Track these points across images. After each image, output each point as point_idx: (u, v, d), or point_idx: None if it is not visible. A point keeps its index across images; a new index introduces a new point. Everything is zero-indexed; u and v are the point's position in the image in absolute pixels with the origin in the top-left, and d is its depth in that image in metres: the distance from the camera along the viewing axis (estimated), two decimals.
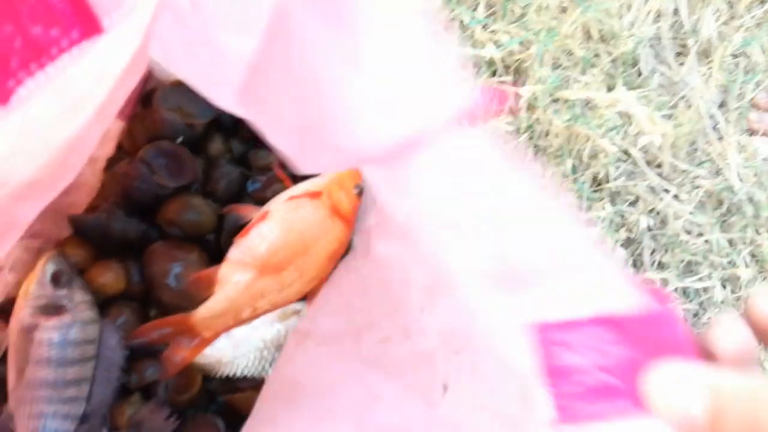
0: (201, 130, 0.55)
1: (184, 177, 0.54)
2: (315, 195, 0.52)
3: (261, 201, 0.55)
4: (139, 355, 0.50)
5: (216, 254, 0.53)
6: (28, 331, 0.46)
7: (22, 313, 0.46)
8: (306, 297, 0.54)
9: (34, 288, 0.46)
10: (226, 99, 0.31)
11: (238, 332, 0.52)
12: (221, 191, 0.54)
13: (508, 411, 0.32)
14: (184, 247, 0.52)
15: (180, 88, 0.54)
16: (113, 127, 0.52)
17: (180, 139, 0.55)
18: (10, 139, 0.23)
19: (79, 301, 0.47)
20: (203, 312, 0.50)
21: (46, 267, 0.47)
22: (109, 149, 0.54)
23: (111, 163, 0.54)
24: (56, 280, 0.46)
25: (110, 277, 0.51)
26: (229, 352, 0.51)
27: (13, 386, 0.46)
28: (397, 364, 0.39)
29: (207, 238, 0.54)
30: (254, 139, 0.57)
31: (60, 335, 0.46)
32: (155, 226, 0.53)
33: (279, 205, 0.52)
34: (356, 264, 0.53)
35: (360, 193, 0.54)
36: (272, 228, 0.51)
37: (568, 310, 0.21)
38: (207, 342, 0.51)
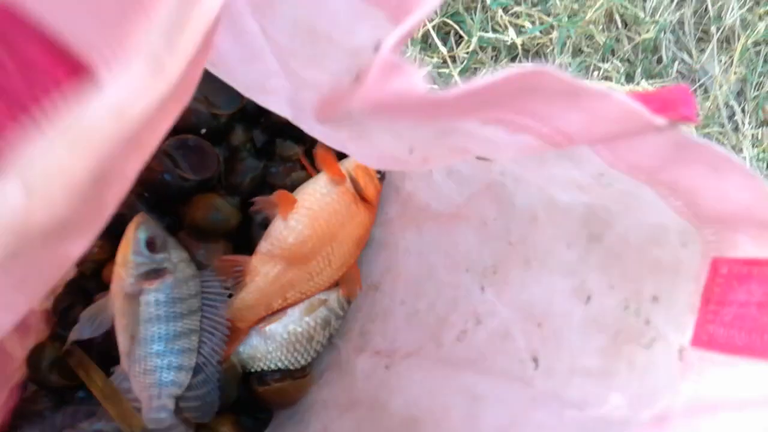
0: (225, 121, 0.56)
1: (206, 170, 0.54)
2: (339, 181, 0.54)
3: (280, 188, 0.56)
4: None
5: (243, 243, 0.55)
6: (134, 297, 0.47)
7: (124, 282, 0.47)
8: (338, 283, 0.56)
9: (133, 257, 0.47)
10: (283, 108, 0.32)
11: (269, 328, 0.54)
12: (245, 186, 0.55)
13: (600, 368, 0.35)
14: (209, 240, 0.54)
15: (206, 77, 0.54)
16: None
17: (203, 131, 0.55)
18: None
19: (177, 260, 0.49)
20: (236, 304, 0.52)
21: (138, 234, 0.47)
22: None
23: None
24: (151, 245, 0.48)
25: None
26: (262, 347, 0.53)
27: (127, 350, 0.47)
28: (481, 353, 0.41)
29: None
30: (279, 130, 0.57)
31: (165, 295, 0.48)
32: (177, 216, 0.54)
33: (304, 194, 0.54)
34: (395, 262, 0.55)
35: (382, 178, 0.56)
36: (299, 219, 0.53)
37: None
38: (242, 333, 0.53)
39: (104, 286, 0.52)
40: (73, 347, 0.49)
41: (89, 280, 0.52)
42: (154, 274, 0.47)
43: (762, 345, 0.26)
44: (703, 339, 0.29)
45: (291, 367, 0.54)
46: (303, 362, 0.55)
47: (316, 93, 0.29)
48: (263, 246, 0.53)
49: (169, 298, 0.48)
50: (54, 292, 0.52)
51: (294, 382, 0.53)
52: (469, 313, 0.46)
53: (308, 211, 0.53)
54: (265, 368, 0.54)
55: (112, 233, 0.53)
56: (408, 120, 0.27)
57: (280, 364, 0.54)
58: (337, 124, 0.31)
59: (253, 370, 0.54)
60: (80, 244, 0.35)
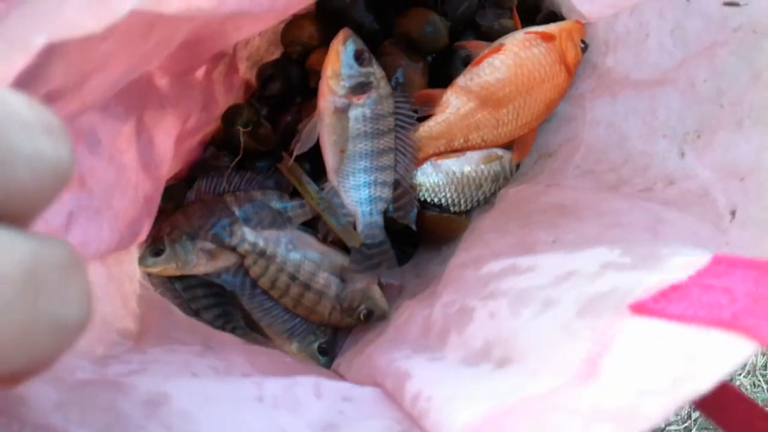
0: None
1: None
2: (548, 38, 0.54)
3: (486, 33, 0.57)
4: None
5: (441, 76, 0.55)
6: (342, 112, 0.50)
7: (335, 96, 0.49)
8: (513, 144, 0.56)
9: (344, 69, 0.49)
10: None
11: (445, 162, 0.54)
12: (458, 14, 0.55)
13: None
14: (413, 56, 0.54)
15: None
16: None
17: None
18: None
19: (379, 76, 0.51)
20: (421, 132, 0.53)
21: (347, 47, 0.49)
22: None
23: None
24: (359, 58, 0.49)
25: None
26: (432, 178, 0.54)
27: (335, 166, 0.50)
28: (667, 202, 0.40)
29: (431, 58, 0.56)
30: None
31: (371, 110, 0.50)
32: (388, 25, 0.55)
33: (514, 40, 0.54)
34: (577, 134, 0.55)
35: (584, 50, 0.55)
36: (504, 60, 0.53)
37: None
38: (418, 163, 0.54)
39: (304, 72, 0.53)
40: (288, 159, 0.51)
41: (293, 62, 0.53)
42: (361, 88, 0.49)
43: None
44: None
45: (451, 208, 0.55)
46: (463, 207, 0.55)
47: None
48: (462, 80, 0.53)
49: (373, 114, 0.50)
50: (257, 63, 0.53)
51: (456, 217, 0.54)
52: (658, 177, 0.45)
53: (515, 56, 0.53)
54: (428, 199, 0.54)
55: (326, 22, 0.54)
56: None
57: (443, 200, 0.54)
58: None
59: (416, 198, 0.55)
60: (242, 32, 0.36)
